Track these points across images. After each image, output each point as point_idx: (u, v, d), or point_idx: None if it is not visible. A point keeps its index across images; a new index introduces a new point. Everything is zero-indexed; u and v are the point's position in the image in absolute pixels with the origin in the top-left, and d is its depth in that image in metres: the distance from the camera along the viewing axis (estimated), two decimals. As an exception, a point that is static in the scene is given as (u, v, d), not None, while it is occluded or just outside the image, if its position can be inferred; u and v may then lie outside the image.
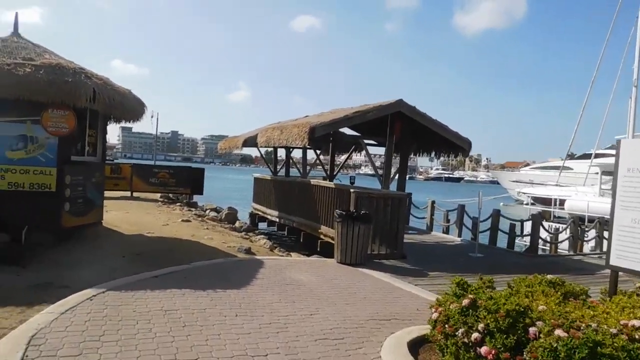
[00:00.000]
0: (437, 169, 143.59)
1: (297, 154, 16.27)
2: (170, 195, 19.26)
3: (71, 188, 8.22)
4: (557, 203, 19.02)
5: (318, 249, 10.88)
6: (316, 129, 9.70)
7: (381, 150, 14.43)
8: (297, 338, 4.46)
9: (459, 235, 13.61)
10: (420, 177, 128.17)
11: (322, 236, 11.04)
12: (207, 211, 17.57)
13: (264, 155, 17.98)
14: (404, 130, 10.95)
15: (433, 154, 13.51)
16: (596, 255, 12.08)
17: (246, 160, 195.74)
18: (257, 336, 4.41)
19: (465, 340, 3.53)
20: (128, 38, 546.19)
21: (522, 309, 3.42)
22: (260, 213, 16.05)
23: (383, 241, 9.42)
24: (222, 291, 5.85)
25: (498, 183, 55.93)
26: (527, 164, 67.67)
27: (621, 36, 24.05)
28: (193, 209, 17.19)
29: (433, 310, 4.34)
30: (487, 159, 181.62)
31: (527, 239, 13.63)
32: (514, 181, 47.00)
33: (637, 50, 18.33)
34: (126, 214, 12.43)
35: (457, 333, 3.61)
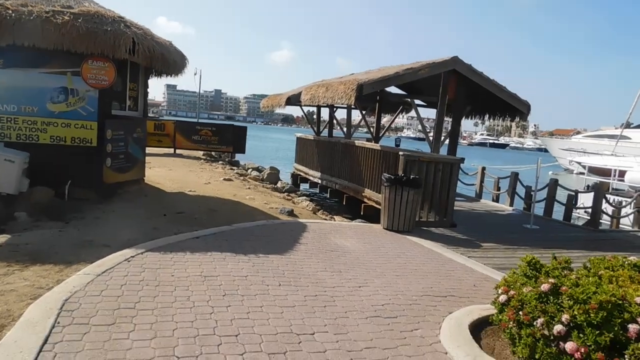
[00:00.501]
0: (482, 134, 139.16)
1: (339, 114, 15.72)
2: (213, 153, 19.20)
3: (112, 143, 8.01)
4: (617, 174, 17.80)
5: (361, 213, 10.52)
6: (364, 87, 9.08)
7: (429, 112, 13.71)
8: (346, 314, 4.08)
9: (511, 205, 12.90)
10: (464, 141, 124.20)
11: (365, 200, 10.61)
12: (249, 170, 17.40)
13: (306, 115, 17.48)
14: (458, 90, 10.18)
15: (486, 117, 12.67)
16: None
17: (288, 120, 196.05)
18: (303, 310, 4.05)
19: (546, 332, 3.03)
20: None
21: (620, 301, 2.89)
22: (302, 174, 15.72)
23: (432, 208, 8.91)
24: (265, 256, 5.53)
25: (546, 151, 53.45)
26: (578, 132, 64.44)
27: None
28: (235, 168, 17.05)
29: (499, 291, 3.86)
30: (534, 125, 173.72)
31: (583, 211, 12.82)
32: (564, 149, 44.73)
33: None
34: (169, 171, 12.32)
35: (535, 323, 3.12)
